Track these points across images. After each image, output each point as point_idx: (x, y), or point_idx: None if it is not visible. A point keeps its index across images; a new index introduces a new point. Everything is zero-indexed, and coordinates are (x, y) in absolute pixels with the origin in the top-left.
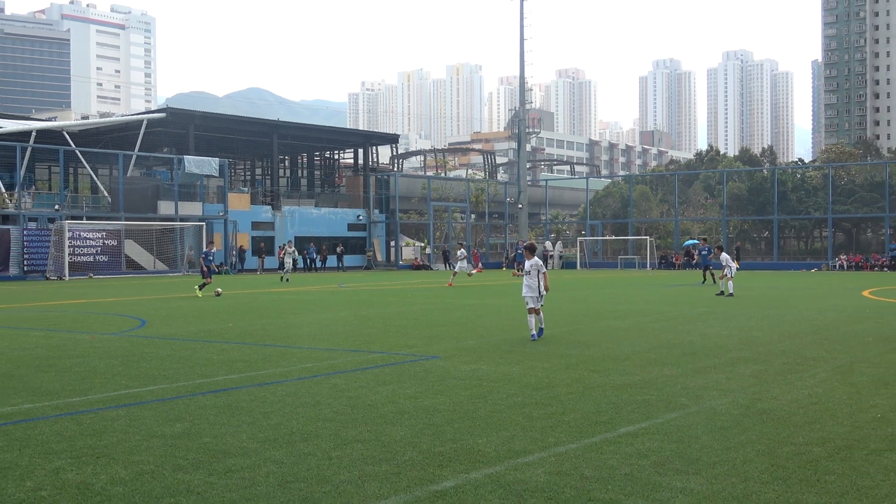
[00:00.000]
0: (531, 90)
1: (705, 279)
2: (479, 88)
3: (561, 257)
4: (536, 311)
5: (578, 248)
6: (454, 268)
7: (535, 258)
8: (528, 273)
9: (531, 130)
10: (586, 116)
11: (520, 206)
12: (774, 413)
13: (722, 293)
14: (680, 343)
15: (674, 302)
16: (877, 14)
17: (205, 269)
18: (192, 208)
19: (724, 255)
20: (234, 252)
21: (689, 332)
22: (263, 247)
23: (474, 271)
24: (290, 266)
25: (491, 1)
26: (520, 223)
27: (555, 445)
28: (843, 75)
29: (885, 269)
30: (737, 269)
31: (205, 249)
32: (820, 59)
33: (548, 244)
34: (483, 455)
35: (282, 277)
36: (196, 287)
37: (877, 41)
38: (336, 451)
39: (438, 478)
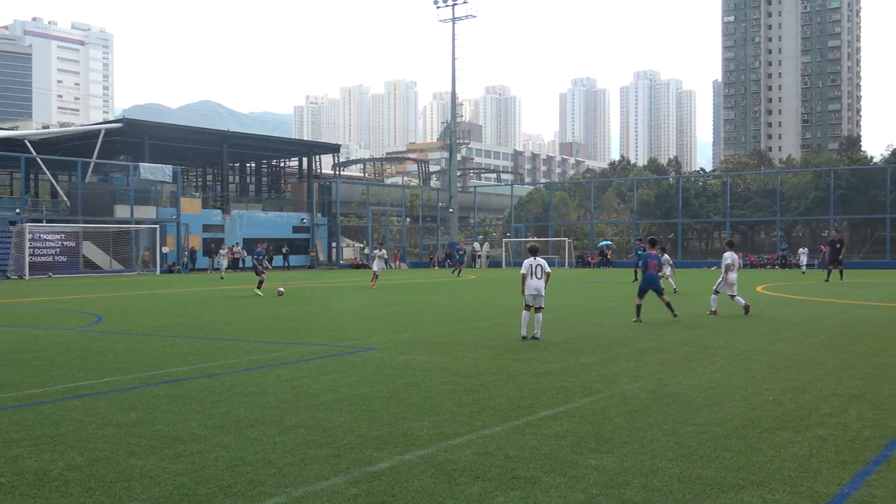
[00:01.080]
0: (462, 105)
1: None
2: (414, 103)
3: (488, 257)
4: (537, 309)
5: (504, 249)
6: (374, 268)
7: (534, 258)
8: (534, 274)
9: (461, 141)
10: (511, 129)
11: (451, 210)
12: (678, 397)
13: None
14: (595, 334)
15: (589, 297)
16: (770, 39)
17: (259, 268)
18: (147, 212)
19: (665, 256)
20: (185, 252)
21: (603, 325)
22: (214, 247)
23: (377, 273)
24: (226, 266)
25: (426, 23)
26: (451, 226)
27: (482, 428)
28: (740, 94)
29: (777, 266)
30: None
31: (258, 248)
32: (720, 79)
33: (476, 245)
34: (416, 438)
35: (221, 276)
36: (255, 289)
37: (770, 63)
38: (280, 436)
39: (375, 459)
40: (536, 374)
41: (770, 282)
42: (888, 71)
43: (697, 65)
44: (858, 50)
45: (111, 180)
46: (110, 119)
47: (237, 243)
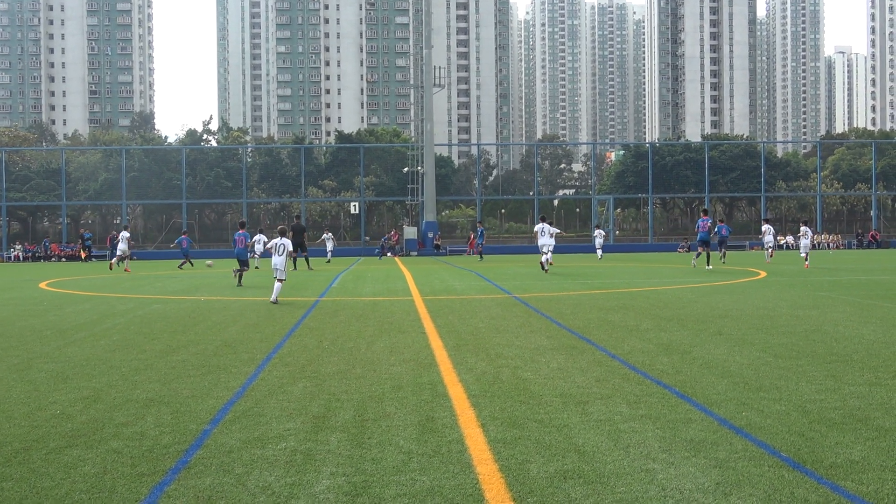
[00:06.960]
0: None
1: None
2: None
3: None
4: None
5: None
6: None
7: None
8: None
9: None
10: None
11: None
12: None
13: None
14: None
15: None
16: None
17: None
18: None
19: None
20: None
21: None
22: None
23: None
24: None
25: None
26: None
27: None
28: (16, 54)
29: (63, 259)
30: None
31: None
32: None
33: None
34: None
35: None
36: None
37: (51, 22)
38: None
39: None
40: None
41: (58, 276)
42: (179, 44)
43: None
44: (150, 17)
45: None
46: None
47: None
